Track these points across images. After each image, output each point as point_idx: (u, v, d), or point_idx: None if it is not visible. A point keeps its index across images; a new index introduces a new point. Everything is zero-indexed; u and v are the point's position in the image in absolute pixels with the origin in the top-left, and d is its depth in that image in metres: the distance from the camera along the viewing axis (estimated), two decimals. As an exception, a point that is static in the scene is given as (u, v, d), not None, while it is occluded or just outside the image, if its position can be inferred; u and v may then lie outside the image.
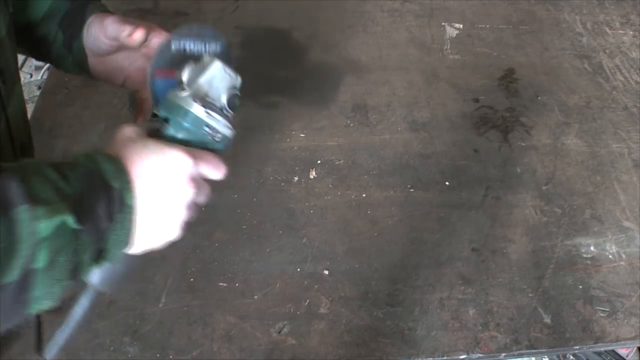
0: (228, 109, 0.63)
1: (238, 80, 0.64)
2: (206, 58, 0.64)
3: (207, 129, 0.61)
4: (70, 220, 0.50)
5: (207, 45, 0.68)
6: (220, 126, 0.62)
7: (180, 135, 0.61)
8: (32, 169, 0.51)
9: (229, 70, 0.63)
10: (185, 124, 0.60)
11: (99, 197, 0.53)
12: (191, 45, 0.68)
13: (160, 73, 0.68)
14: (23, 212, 0.47)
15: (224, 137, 0.64)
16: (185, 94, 0.60)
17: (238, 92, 0.64)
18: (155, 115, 0.65)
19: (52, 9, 0.76)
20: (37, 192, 0.49)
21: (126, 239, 0.57)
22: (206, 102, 0.61)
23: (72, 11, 0.76)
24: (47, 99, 1.41)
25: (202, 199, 0.63)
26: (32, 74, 2.37)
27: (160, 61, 0.68)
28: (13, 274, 0.48)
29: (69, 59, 0.77)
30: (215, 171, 0.63)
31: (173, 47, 0.67)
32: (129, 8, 1.61)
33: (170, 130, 0.61)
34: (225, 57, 0.66)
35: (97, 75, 0.78)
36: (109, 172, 0.54)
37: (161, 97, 0.65)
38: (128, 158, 0.57)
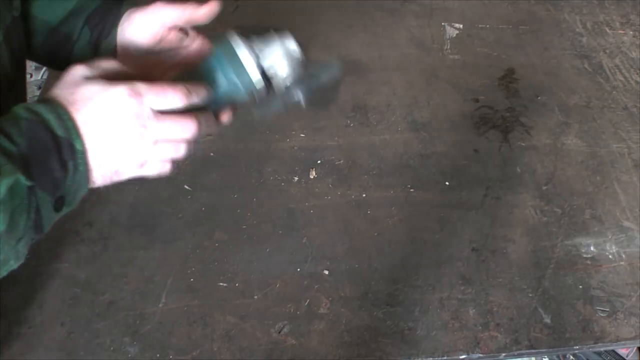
0: (267, 74, 0.64)
1: (294, 69, 0.66)
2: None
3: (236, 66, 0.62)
4: (21, 179, 0.50)
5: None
6: (250, 71, 0.62)
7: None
8: None
9: (294, 58, 0.65)
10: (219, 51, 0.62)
11: (47, 149, 0.53)
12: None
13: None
14: None
15: (247, 82, 0.63)
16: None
17: (284, 73, 0.65)
18: None
19: (79, 6, 0.73)
20: None
21: (85, 182, 0.57)
22: (250, 46, 0.62)
23: (103, 8, 0.73)
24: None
25: (175, 134, 0.60)
26: (32, 74, 2.36)
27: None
28: None
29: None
30: (170, 101, 0.59)
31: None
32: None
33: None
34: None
35: None
36: (53, 122, 0.54)
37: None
38: (71, 102, 0.56)
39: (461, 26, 1.60)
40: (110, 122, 0.56)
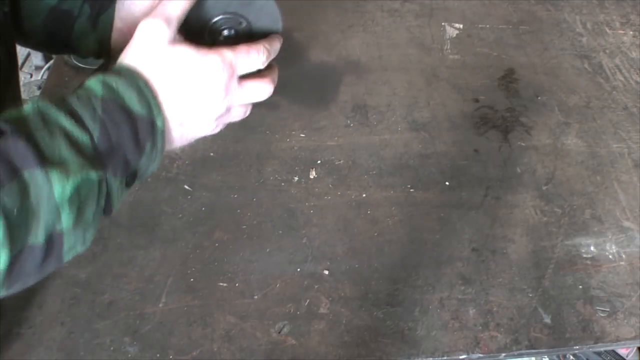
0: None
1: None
2: None
3: None
4: (92, 174, 0.47)
5: None
6: None
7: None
8: (39, 121, 0.46)
9: None
10: None
11: (122, 133, 0.49)
12: None
13: None
14: (36, 176, 0.44)
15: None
16: None
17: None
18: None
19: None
20: (48, 151, 0.45)
21: (160, 156, 0.54)
22: None
23: None
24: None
25: (255, 98, 0.59)
26: (32, 74, 2.36)
27: None
28: (37, 237, 0.45)
29: (91, 37, 0.71)
30: (255, 64, 0.57)
31: None
32: (129, 8, 1.61)
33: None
34: None
35: (115, 55, 0.74)
36: (132, 99, 0.50)
37: None
38: (157, 73, 0.52)
39: (461, 26, 1.60)
40: (198, 95, 0.53)
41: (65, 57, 1.47)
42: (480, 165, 1.26)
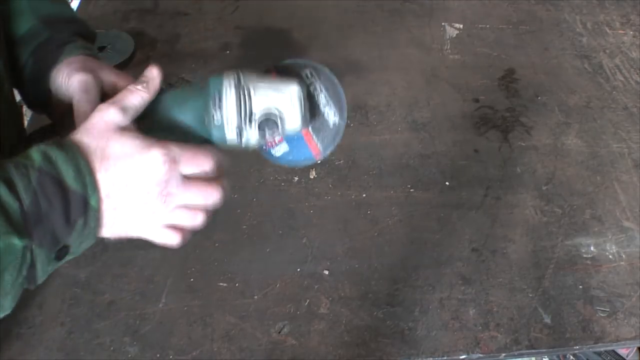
0: (257, 121, 0.59)
1: (296, 121, 0.60)
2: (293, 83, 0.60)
3: (216, 106, 0.59)
4: (15, 241, 0.47)
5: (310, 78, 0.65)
6: (231, 118, 0.59)
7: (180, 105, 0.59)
8: None
9: (296, 106, 0.60)
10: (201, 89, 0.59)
11: (53, 205, 0.49)
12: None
13: None
14: None
15: (223, 130, 0.60)
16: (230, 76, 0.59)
17: (277, 124, 0.59)
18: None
19: (31, 33, 0.69)
20: None
21: (93, 237, 0.54)
22: (240, 90, 0.58)
23: (49, 43, 0.69)
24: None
25: (199, 201, 0.58)
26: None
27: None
28: None
29: (30, 95, 0.70)
30: (201, 167, 0.57)
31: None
32: (129, 8, 1.61)
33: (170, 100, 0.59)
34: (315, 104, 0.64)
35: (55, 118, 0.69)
36: (69, 175, 0.50)
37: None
38: (100, 157, 0.52)
39: (461, 26, 1.60)
40: (136, 185, 0.53)
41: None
42: (480, 165, 1.26)
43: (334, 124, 0.65)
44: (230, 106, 0.59)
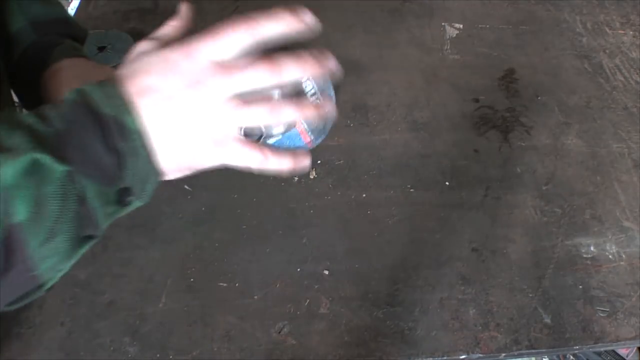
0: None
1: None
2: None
3: None
4: (46, 159, 0.42)
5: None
6: None
7: None
8: (4, 117, 0.43)
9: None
10: None
11: (87, 129, 0.44)
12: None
13: None
14: None
15: None
16: None
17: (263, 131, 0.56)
18: None
19: (19, 34, 0.68)
20: (1, 140, 0.41)
21: (152, 170, 0.47)
22: None
23: (36, 46, 0.68)
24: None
25: (255, 83, 0.49)
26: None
27: None
28: None
29: (23, 97, 0.70)
30: (233, 45, 0.49)
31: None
32: (129, 8, 1.61)
33: None
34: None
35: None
36: (98, 99, 0.45)
37: None
38: (129, 75, 0.47)
39: (461, 26, 1.60)
40: (169, 91, 0.47)
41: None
42: (480, 165, 1.26)
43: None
44: None
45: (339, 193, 1.21)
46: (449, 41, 1.56)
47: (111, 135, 0.45)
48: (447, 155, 1.28)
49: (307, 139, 0.63)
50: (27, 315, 1.01)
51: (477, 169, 1.25)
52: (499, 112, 1.37)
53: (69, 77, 0.65)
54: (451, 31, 1.59)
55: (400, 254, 1.11)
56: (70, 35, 0.72)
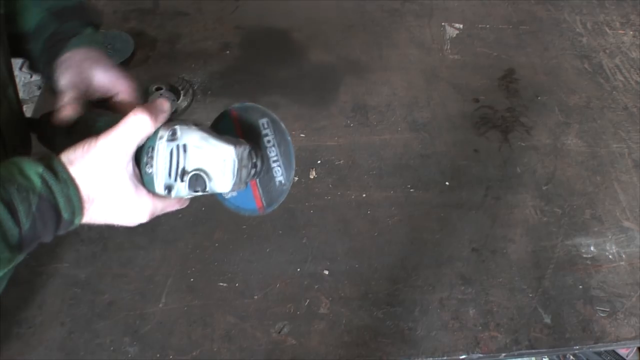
0: (186, 178, 0.60)
1: (227, 178, 0.60)
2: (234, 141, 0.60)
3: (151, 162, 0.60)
4: (7, 255, 0.54)
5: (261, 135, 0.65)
6: (160, 173, 0.60)
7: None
8: None
9: (232, 165, 0.60)
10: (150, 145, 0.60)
11: (47, 229, 0.56)
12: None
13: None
14: None
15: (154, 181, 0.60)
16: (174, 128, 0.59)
17: (206, 184, 0.60)
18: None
19: (41, 25, 0.72)
20: None
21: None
22: (172, 147, 0.59)
23: (57, 35, 0.72)
24: (47, 98, 1.41)
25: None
26: (32, 74, 2.36)
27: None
28: None
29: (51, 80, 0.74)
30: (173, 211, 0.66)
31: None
32: (129, 8, 1.61)
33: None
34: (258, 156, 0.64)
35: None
36: (63, 207, 0.56)
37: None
38: (90, 188, 0.57)
39: (461, 26, 1.60)
40: (118, 216, 0.61)
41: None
42: (480, 165, 1.26)
43: (280, 183, 0.65)
44: (160, 163, 0.59)
45: (339, 193, 1.21)
46: (449, 41, 1.56)
47: (61, 230, 0.57)
48: (447, 155, 1.28)
49: (259, 203, 0.64)
50: (27, 315, 1.01)
51: (477, 169, 1.25)
52: (499, 112, 1.37)
53: (69, 66, 0.70)
54: (451, 31, 1.59)
55: (400, 254, 1.11)
56: (89, 23, 0.75)
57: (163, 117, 0.60)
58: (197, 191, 0.60)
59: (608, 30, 1.60)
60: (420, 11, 1.65)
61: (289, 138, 0.65)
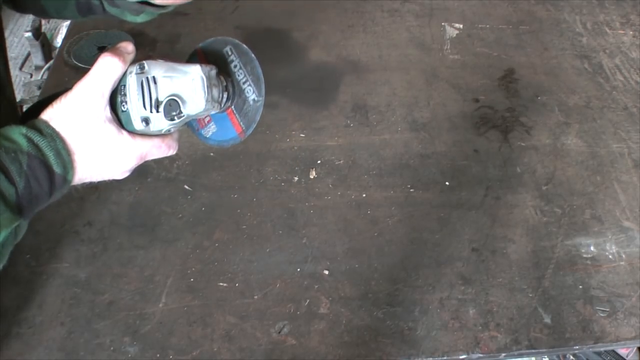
0: (161, 108, 0.61)
1: (199, 103, 0.62)
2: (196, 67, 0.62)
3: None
4: (15, 223, 0.55)
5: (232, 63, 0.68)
6: (137, 108, 0.61)
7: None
8: None
9: (202, 88, 0.62)
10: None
11: (42, 187, 0.56)
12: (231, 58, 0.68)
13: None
14: None
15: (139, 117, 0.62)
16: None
17: (180, 107, 0.61)
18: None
19: None
20: None
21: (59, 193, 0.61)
22: (142, 79, 0.60)
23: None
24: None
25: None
26: (32, 74, 2.36)
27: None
28: None
29: None
30: (164, 155, 0.65)
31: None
32: (129, 8, 1.61)
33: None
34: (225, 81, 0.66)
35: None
36: (54, 161, 0.56)
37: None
38: (77, 139, 0.58)
39: (461, 26, 1.60)
40: (108, 166, 0.61)
41: (65, 57, 1.47)
42: (480, 165, 1.26)
43: (254, 101, 0.67)
44: (133, 96, 0.60)
45: (339, 193, 1.21)
46: (449, 41, 1.56)
47: (56, 188, 0.57)
48: (447, 155, 1.28)
49: (238, 128, 0.65)
50: (27, 315, 1.01)
51: (477, 169, 1.25)
52: (499, 112, 1.37)
53: None
54: (451, 31, 1.59)
55: (400, 254, 1.11)
56: None
57: (130, 57, 0.62)
58: (173, 118, 0.61)
59: (608, 30, 1.60)
60: (420, 11, 1.65)
61: (253, 55, 0.67)
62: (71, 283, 1.05)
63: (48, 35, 1.89)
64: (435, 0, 1.68)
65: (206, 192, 1.20)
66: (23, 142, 0.55)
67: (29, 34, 1.68)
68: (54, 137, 0.57)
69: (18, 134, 0.55)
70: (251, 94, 0.67)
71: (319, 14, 1.62)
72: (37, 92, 2.21)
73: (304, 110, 1.37)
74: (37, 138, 0.55)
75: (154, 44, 1.50)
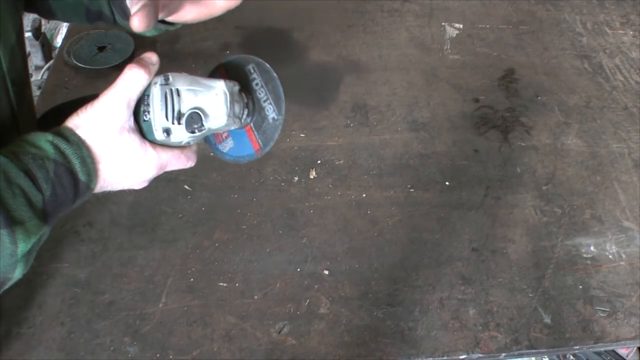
0: (183, 120, 0.62)
1: (221, 117, 0.62)
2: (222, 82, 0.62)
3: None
4: (42, 230, 0.55)
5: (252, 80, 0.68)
6: (161, 120, 0.61)
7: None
8: (3, 180, 0.52)
9: (225, 103, 0.62)
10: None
11: (68, 194, 0.57)
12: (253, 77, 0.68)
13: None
14: (3, 236, 0.52)
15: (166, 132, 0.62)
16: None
17: (202, 121, 0.61)
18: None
19: None
20: (12, 211, 0.52)
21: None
22: (166, 91, 0.61)
23: None
24: (47, 99, 1.41)
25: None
26: (32, 74, 2.36)
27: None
28: None
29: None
30: (183, 167, 0.67)
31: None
32: (129, 8, 1.61)
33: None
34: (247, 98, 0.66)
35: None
36: (79, 169, 0.57)
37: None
38: (101, 147, 0.59)
39: (461, 26, 1.60)
40: (129, 175, 0.62)
41: (65, 57, 1.47)
42: (480, 165, 1.26)
43: (273, 120, 0.67)
44: (156, 107, 0.60)
45: (339, 193, 1.21)
46: (449, 41, 1.56)
47: (80, 195, 0.58)
48: (447, 155, 1.28)
49: (256, 145, 0.66)
50: (27, 315, 1.01)
51: (477, 169, 1.25)
52: (499, 112, 1.37)
53: None
54: (451, 31, 1.59)
55: (400, 254, 1.11)
56: None
57: (154, 68, 0.61)
58: (194, 131, 0.61)
59: (608, 30, 1.60)
60: (420, 11, 1.65)
61: (275, 74, 0.68)
62: (71, 283, 1.05)
63: (48, 35, 1.89)
64: (435, 0, 1.68)
65: (206, 192, 1.20)
66: (50, 149, 0.55)
67: (29, 34, 1.68)
68: (80, 145, 0.57)
69: (44, 140, 0.56)
70: (271, 112, 0.68)
71: (320, 14, 1.62)
72: (37, 92, 2.20)
73: (304, 110, 1.37)
74: (63, 145, 0.56)
75: (154, 43, 1.50)
